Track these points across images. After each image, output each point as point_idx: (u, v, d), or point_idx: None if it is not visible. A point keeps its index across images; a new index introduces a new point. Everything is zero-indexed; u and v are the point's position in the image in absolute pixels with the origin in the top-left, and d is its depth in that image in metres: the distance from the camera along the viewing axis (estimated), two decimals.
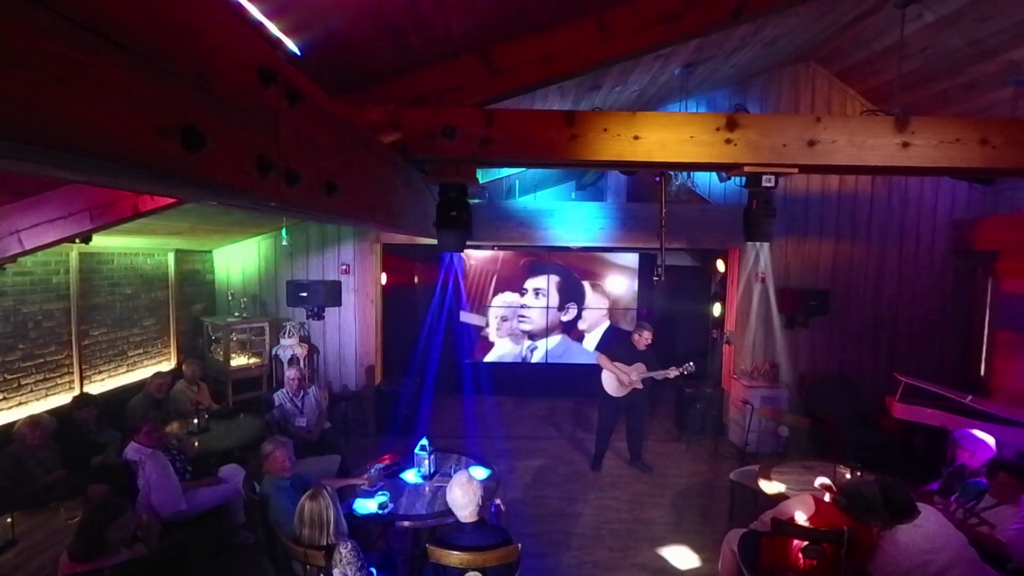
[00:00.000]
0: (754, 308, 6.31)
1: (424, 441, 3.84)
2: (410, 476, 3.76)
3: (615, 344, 5.67)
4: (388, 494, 3.39)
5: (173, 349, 5.92)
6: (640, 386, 5.31)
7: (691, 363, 5.27)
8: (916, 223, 6.36)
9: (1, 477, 3.41)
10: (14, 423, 3.67)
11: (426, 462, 3.76)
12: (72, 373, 4.55)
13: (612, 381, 5.39)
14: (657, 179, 5.68)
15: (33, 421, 3.63)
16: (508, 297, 8.24)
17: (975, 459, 3.50)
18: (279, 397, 4.94)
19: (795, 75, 6.22)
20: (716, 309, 7.34)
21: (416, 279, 8.27)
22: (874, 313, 6.44)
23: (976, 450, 3.51)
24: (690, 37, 3.09)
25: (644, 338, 5.30)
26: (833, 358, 6.49)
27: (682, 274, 8.05)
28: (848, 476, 3.62)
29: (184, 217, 4.64)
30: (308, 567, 2.61)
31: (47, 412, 4.06)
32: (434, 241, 3.42)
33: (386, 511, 3.26)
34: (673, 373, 5.18)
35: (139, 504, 3.33)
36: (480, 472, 3.76)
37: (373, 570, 2.81)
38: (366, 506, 3.30)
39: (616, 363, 5.32)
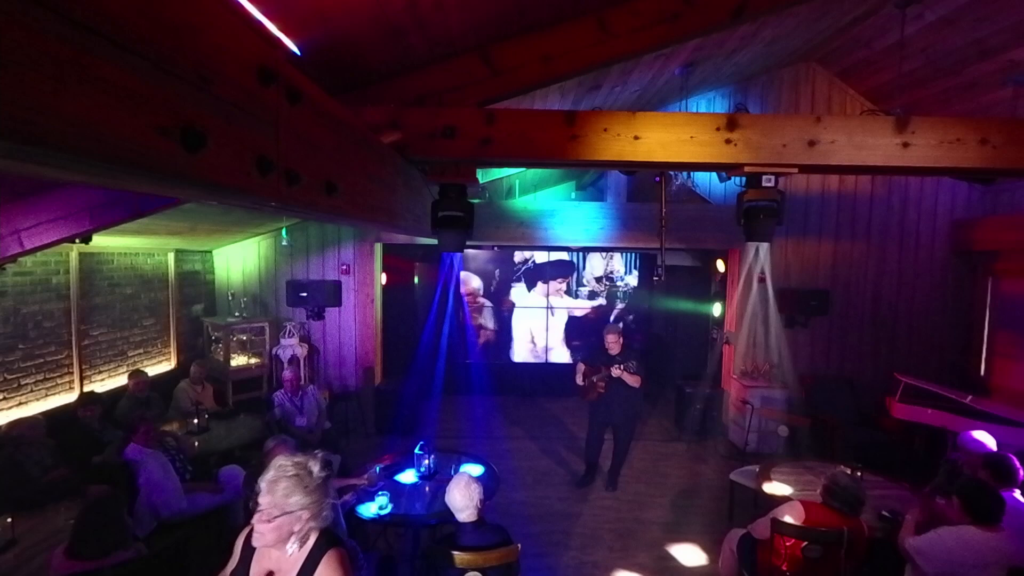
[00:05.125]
0: (754, 308, 6.31)
1: (423, 442, 3.84)
2: (410, 476, 3.76)
3: (594, 351, 5.35)
4: (388, 495, 3.39)
5: (173, 349, 5.92)
6: (602, 388, 5.02)
7: (619, 366, 4.89)
8: (916, 223, 6.36)
9: None
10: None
11: (426, 462, 3.76)
12: (72, 373, 4.55)
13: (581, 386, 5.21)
14: (657, 179, 5.68)
15: (23, 423, 3.61)
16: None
17: (972, 459, 3.50)
18: (279, 397, 4.94)
19: (795, 75, 6.21)
20: (716, 309, 7.34)
21: (416, 279, 8.27)
22: (874, 313, 6.44)
23: (975, 451, 3.50)
24: (690, 37, 3.09)
25: (611, 341, 5.02)
26: (833, 358, 6.49)
27: (682, 274, 8.06)
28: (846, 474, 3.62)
29: (184, 217, 4.64)
30: None
31: (45, 412, 4.07)
32: (434, 241, 3.43)
33: (386, 512, 3.27)
34: (615, 372, 4.89)
35: (139, 504, 3.33)
36: (476, 469, 3.77)
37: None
38: (369, 509, 3.30)
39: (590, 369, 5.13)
